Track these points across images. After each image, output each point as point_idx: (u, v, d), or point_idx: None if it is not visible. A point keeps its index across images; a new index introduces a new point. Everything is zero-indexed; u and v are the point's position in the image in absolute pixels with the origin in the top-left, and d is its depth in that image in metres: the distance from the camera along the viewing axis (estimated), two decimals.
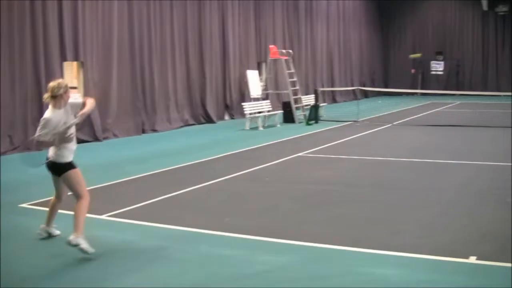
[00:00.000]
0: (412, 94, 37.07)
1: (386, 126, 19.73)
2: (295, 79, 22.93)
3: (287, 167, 12.24)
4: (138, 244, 6.89)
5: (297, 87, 22.93)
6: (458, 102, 31.90)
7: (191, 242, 6.95)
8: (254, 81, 22.10)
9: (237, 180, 10.74)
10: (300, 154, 13.77)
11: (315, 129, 19.31)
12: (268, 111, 21.20)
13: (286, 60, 22.95)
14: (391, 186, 10.24)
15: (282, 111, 22.04)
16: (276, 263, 6.20)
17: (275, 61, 23.31)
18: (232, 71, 23.43)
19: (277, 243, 6.88)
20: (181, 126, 20.29)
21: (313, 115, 21.09)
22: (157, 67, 19.42)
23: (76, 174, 6.64)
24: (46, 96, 6.56)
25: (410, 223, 7.73)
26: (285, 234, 7.16)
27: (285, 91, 22.69)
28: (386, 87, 38.30)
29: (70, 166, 6.61)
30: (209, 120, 21.75)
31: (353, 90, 31.94)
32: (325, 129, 19.23)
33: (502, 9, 37.94)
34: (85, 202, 6.58)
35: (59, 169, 6.61)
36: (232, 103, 23.27)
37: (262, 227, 7.56)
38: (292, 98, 21.97)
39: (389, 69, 41.81)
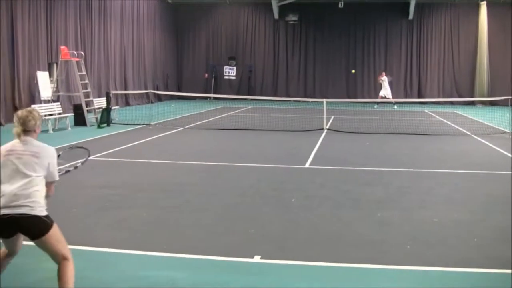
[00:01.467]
0: (205, 98, 38.07)
1: (178, 130, 20.41)
2: (86, 81, 22.83)
3: (76, 171, 12.24)
4: None
5: (89, 90, 22.87)
6: (250, 107, 33.57)
7: None
8: (45, 83, 21.64)
9: None
10: (90, 158, 13.80)
11: (107, 132, 19.45)
12: (59, 113, 20.91)
13: (77, 62, 22.75)
14: (178, 189, 10.61)
15: (73, 114, 21.81)
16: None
17: (66, 62, 22.98)
18: (22, 72, 22.69)
19: None
20: None
21: (105, 118, 21.18)
22: None
23: (57, 230, 5.04)
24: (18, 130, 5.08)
25: (193, 226, 8.07)
26: (70, 239, 7.18)
27: (76, 94, 22.48)
28: (179, 90, 39.02)
29: (49, 220, 4.99)
30: None
31: (146, 93, 32.23)
32: (117, 132, 19.46)
33: (292, 18, 40.63)
34: (71, 264, 5.10)
35: (29, 227, 4.85)
36: (21, 105, 22.50)
37: None
38: (83, 101, 21.86)
39: (182, 73, 42.53)
